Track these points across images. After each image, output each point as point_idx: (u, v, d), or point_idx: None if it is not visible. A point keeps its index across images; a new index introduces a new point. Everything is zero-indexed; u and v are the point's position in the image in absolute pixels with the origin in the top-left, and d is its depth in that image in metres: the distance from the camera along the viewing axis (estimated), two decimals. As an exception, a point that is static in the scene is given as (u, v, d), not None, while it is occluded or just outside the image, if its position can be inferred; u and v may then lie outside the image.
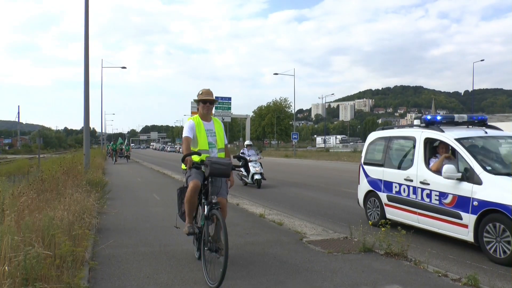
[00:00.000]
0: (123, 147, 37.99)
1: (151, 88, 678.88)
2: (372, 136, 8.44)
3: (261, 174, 14.63)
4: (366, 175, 8.12)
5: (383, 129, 8.30)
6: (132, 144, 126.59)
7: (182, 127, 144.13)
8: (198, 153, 4.77)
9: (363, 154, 8.48)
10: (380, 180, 7.66)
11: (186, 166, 4.67)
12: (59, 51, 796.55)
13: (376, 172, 7.84)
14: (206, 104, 5.06)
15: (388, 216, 7.39)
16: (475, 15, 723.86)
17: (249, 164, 13.55)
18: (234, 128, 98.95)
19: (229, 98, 68.38)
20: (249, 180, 14.84)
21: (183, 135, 4.91)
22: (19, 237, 3.96)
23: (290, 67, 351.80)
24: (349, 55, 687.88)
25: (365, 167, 8.24)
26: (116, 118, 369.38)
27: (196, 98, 5.12)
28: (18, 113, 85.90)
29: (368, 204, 8.03)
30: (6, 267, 3.48)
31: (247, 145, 15.92)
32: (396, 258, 5.38)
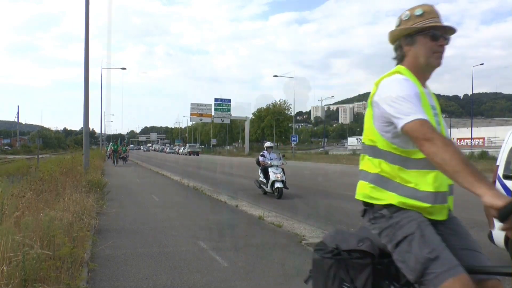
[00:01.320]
0: (121, 147, 37.73)
1: (150, 89, 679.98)
2: None
3: (283, 182, 12.14)
4: None
5: None
6: (131, 145, 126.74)
7: (181, 129, 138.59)
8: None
9: (501, 162, 5.20)
10: None
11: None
12: (59, 51, 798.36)
13: None
14: (437, 40, 1.98)
15: None
16: (475, 19, 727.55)
17: (269, 169, 12.43)
18: (233, 130, 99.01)
19: (229, 100, 68.65)
20: (268, 189, 12.50)
21: (414, 117, 1.76)
22: (19, 237, 3.96)
23: (290, 69, 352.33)
24: (349, 57, 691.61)
25: (508, 182, 4.95)
26: (115, 119, 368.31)
27: (400, 24, 2.11)
28: (18, 113, 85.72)
29: None
30: (5, 268, 3.47)
31: (267, 147, 13.28)
32: (395, 261, 5.38)
